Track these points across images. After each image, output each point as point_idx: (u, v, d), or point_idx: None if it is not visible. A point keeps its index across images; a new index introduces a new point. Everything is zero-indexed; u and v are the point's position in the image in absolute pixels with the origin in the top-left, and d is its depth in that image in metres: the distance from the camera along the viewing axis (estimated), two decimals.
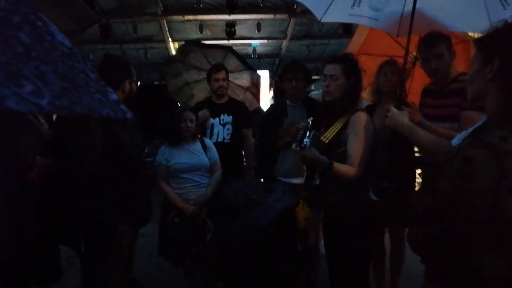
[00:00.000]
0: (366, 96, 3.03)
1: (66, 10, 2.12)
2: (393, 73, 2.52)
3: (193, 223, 2.57)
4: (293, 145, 1.84)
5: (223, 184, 2.60)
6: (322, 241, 2.46)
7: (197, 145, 2.72)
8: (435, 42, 2.17)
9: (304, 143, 1.79)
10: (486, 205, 0.96)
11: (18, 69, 0.93)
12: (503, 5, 2.05)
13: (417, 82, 2.76)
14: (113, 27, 7.47)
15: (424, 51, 2.24)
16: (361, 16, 2.34)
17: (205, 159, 2.69)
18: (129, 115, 1.11)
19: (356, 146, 1.91)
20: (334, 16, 2.36)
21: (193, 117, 2.67)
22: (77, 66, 1.08)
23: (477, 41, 1.19)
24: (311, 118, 1.87)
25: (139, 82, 2.38)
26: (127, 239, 2.14)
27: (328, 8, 2.31)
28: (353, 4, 2.30)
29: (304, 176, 1.99)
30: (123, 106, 1.11)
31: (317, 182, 2.00)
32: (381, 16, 2.32)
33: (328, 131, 1.99)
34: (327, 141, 1.97)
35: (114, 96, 1.11)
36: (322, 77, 2.05)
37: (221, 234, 2.39)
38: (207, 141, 2.84)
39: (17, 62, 0.93)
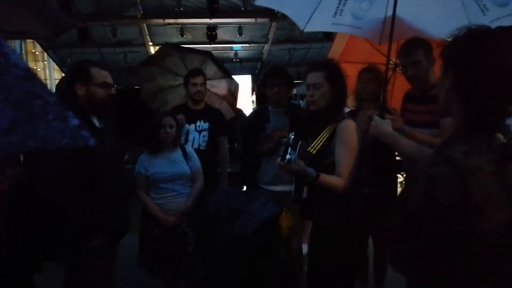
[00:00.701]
0: (349, 104, 3.04)
1: (39, 15, 2.03)
2: (369, 81, 2.53)
3: (173, 234, 2.50)
4: (278, 160, 1.80)
5: (204, 193, 2.55)
6: (306, 244, 2.43)
7: (178, 153, 2.65)
8: (413, 49, 2.19)
9: (287, 159, 1.75)
10: (453, 223, 0.95)
11: None
12: (482, 11, 2.08)
13: (399, 88, 2.78)
14: (91, 30, 7.32)
15: (402, 58, 2.26)
16: (344, 25, 2.33)
17: (186, 168, 2.63)
18: (91, 142, 1.03)
19: (344, 156, 1.86)
20: (316, 25, 2.35)
21: (173, 122, 2.60)
22: (34, 91, 0.99)
23: (442, 50, 1.18)
24: (293, 133, 1.82)
25: (115, 86, 2.22)
26: (103, 252, 2.05)
27: (310, 17, 2.30)
28: (335, 13, 2.29)
29: (292, 189, 1.94)
30: (84, 132, 1.04)
31: (305, 195, 1.95)
32: (363, 24, 2.32)
33: (315, 141, 1.93)
34: (314, 151, 1.91)
35: (75, 122, 1.04)
36: (305, 87, 2.01)
37: (204, 245, 2.33)
38: (189, 148, 2.78)
39: None
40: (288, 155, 1.74)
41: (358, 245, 1.97)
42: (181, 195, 2.60)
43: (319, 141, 1.93)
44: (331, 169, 1.86)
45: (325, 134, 1.93)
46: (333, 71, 1.94)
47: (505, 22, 1.97)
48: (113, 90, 2.11)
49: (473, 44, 1.04)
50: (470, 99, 1.05)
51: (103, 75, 2.07)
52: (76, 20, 6.42)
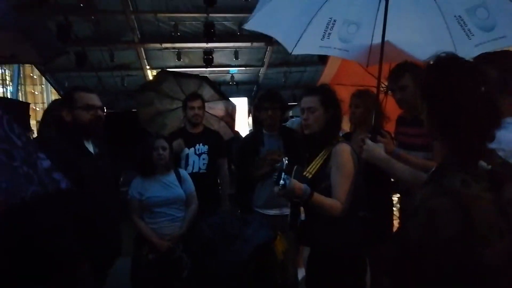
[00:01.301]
0: (345, 126, 3.07)
1: (28, 40, 2.03)
2: (357, 106, 2.56)
3: (168, 260, 2.46)
4: (275, 188, 1.78)
5: (199, 217, 2.52)
6: (302, 268, 2.39)
7: (172, 177, 2.64)
8: (399, 74, 2.21)
9: (282, 184, 1.74)
10: (454, 254, 0.94)
11: None
12: (467, 35, 2.11)
13: (395, 111, 2.81)
14: (89, 54, 7.41)
15: (390, 83, 2.29)
16: (332, 48, 2.37)
17: (180, 192, 2.61)
18: (63, 184, 0.99)
19: (340, 180, 1.85)
20: (304, 48, 2.39)
21: (166, 145, 2.60)
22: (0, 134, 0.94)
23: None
24: (286, 158, 1.82)
25: (105, 109, 2.20)
26: (90, 280, 1.99)
27: (298, 40, 2.34)
28: (323, 36, 2.33)
29: (289, 215, 1.92)
30: (56, 175, 1.00)
31: (302, 218, 1.93)
32: (351, 47, 2.36)
33: (311, 166, 1.92)
34: (310, 176, 1.90)
35: (45, 164, 1.00)
36: (300, 110, 2.02)
37: (199, 271, 2.29)
38: (183, 172, 2.77)
39: None
40: (281, 181, 1.73)
41: (356, 270, 1.93)
42: (176, 219, 2.58)
43: (314, 165, 1.92)
44: (327, 193, 1.84)
45: (320, 158, 1.92)
46: (328, 96, 1.95)
47: (490, 47, 2.00)
48: (99, 112, 2.07)
49: (439, 74, 1.06)
50: (445, 128, 1.06)
51: (86, 97, 2.04)
52: (70, 45, 6.52)
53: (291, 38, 2.35)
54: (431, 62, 1.10)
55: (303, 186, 1.76)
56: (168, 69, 5.70)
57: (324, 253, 1.92)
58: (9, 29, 1.86)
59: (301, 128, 2.06)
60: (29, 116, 4.52)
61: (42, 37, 2.13)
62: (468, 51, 2.00)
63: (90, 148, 2.10)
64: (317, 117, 1.91)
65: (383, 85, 2.44)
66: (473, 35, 2.09)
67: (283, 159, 1.82)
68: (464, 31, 2.12)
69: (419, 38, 2.23)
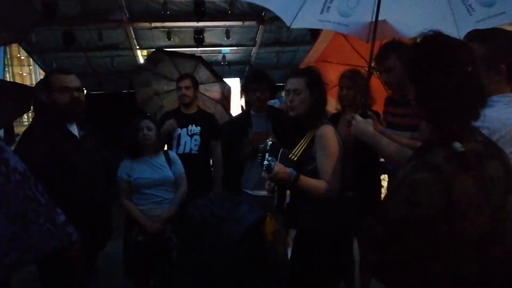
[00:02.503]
0: (330, 108, 3.05)
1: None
2: (348, 87, 2.55)
3: (157, 241, 2.47)
4: (263, 172, 1.79)
5: (189, 199, 2.52)
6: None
7: (161, 159, 2.63)
8: (385, 55, 2.18)
9: (265, 165, 1.74)
10: (436, 229, 0.95)
11: None
12: (468, 11, 2.08)
13: (378, 91, 2.80)
14: (77, 34, 7.24)
15: (377, 65, 2.26)
16: (331, 22, 2.32)
17: (169, 173, 2.60)
18: (74, 237, 1.06)
19: (326, 160, 1.87)
20: (303, 22, 2.33)
21: (151, 125, 2.57)
22: (29, 195, 0.99)
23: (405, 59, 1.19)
24: (270, 139, 1.82)
25: (85, 90, 2.16)
26: (81, 262, 2.00)
27: (297, 14, 2.28)
28: (322, 10, 2.28)
29: (275, 198, 1.93)
30: (69, 228, 1.06)
31: (288, 201, 1.95)
32: (350, 22, 2.31)
33: (296, 148, 1.94)
34: (295, 158, 1.91)
35: (61, 218, 1.06)
36: (285, 92, 2.00)
37: (190, 254, 2.31)
38: (172, 154, 2.75)
39: None
40: (265, 162, 1.73)
41: (341, 253, 1.96)
42: (165, 201, 2.58)
43: (299, 148, 1.93)
44: (314, 175, 1.87)
45: (305, 141, 1.93)
46: (314, 78, 1.95)
47: (490, 23, 1.97)
48: (75, 93, 2.04)
49: (425, 53, 1.06)
50: (431, 107, 1.06)
51: (61, 79, 2.03)
52: (56, 24, 6.34)
53: (290, 11, 2.29)
54: (417, 41, 1.09)
55: (288, 170, 1.78)
56: (162, 49, 5.63)
57: (310, 235, 1.94)
58: None
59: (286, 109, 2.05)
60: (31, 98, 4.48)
61: (12, 14, 2.04)
62: (469, 27, 1.98)
63: (75, 131, 2.08)
64: (303, 99, 1.91)
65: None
66: (474, 10, 2.06)
67: (266, 140, 1.82)
68: (465, 6, 2.08)
69: (419, 14, 2.18)
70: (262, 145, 1.89)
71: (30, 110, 2.60)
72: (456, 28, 2.04)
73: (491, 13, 2.00)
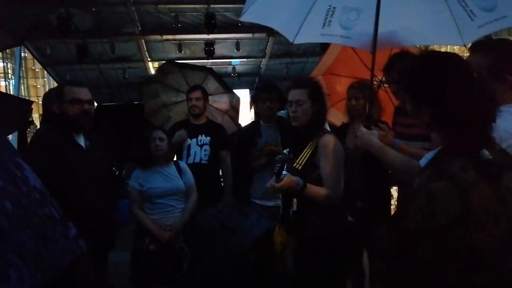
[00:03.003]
0: (330, 118, 3.07)
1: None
2: (357, 98, 2.55)
3: (169, 250, 2.48)
4: (271, 181, 1.84)
5: (198, 209, 2.54)
6: None
7: (172, 169, 2.66)
8: (392, 67, 2.20)
9: (283, 175, 1.78)
10: (452, 239, 0.94)
11: (4, 253, 0.84)
12: (470, 16, 2.08)
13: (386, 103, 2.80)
14: (90, 47, 7.40)
15: (385, 76, 2.28)
16: (333, 36, 2.34)
17: (180, 183, 2.63)
18: (84, 249, 1.07)
19: (329, 168, 1.93)
20: (306, 37, 2.36)
21: (164, 136, 2.61)
22: (47, 213, 1.01)
23: (405, 84, 1.18)
24: (288, 150, 1.86)
25: (94, 102, 2.19)
26: (89, 274, 1.99)
27: (299, 30, 2.31)
28: (324, 24, 2.30)
29: (280, 207, 1.96)
30: (81, 241, 1.07)
31: (295, 208, 1.97)
32: (353, 34, 2.33)
33: (300, 157, 1.98)
34: (300, 167, 1.96)
35: (73, 232, 1.07)
36: (288, 103, 2.06)
37: (199, 264, 2.32)
38: (182, 164, 2.78)
39: (2, 242, 0.86)
40: (284, 172, 1.78)
41: (345, 258, 1.99)
42: (176, 210, 2.60)
43: (303, 157, 1.98)
44: (317, 183, 1.92)
45: (308, 150, 1.99)
46: (315, 89, 2.03)
47: (493, 28, 1.97)
48: (86, 106, 2.08)
49: (435, 74, 1.06)
50: (451, 127, 1.06)
51: (73, 92, 2.06)
52: (70, 37, 6.48)
53: (291, 27, 2.32)
54: (417, 59, 1.10)
55: (295, 178, 1.81)
56: (173, 60, 5.72)
57: (315, 241, 1.97)
58: None
59: (288, 120, 2.10)
60: (31, 113, 4.54)
61: (11, 16, 2.10)
62: (472, 32, 1.99)
63: (81, 141, 2.11)
64: (305, 109, 1.98)
65: (377, 79, 2.43)
66: (475, 16, 2.05)
67: (285, 151, 1.86)
68: (466, 12, 2.08)
69: (421, 21, 2.19)
70: (280, 156, 1.95)
71: (27, 126, 2.63)
72: (459, 34, 2.05)
73: (493, 17, 1.99)
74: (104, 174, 2.23)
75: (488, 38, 1.98)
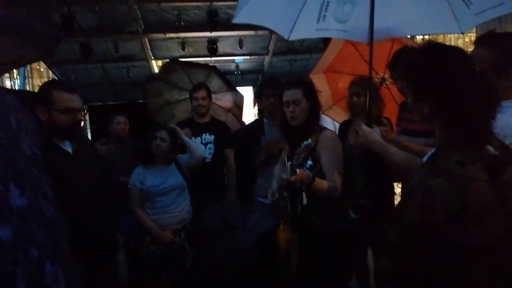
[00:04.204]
0: (331, 114, 3.06)
1: (28, 40, 1.97)
2: (358, 95, 2.54)
3: (170, 250, 2.48)
4: (284, 174, 1.84)
5: (202, 206, 2.53)
6: None
7: (172, 167, 2.67)
8: (397, 63, 2.20)
9: (308, 166, 1.88)
10: (450, 235, 0.93)
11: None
12: (466, 4, 2.06)
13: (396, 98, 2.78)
14: (94, 46, 7.41)
15: (390, 72, 2.27)
16: (329, 30, 2.32)
17: (179, 178, 2.63)
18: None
19: (333, 163, 1.99)
20: (301, 33, 2.34)
21: (167, 137, 2.61)
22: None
23: (406, 77, 1.17)
24: (309, 140, 1.95)
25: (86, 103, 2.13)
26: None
27: (293, 26, 2.30)
28: (318, 19, 2.28)
29: (288, 204, 1.95)
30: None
31: (305, 202, 1.97)
32: (348, 27, 2.31)
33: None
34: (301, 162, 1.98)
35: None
36: (284, 103, 2.09)
37: (202, 261, 2.33)
38: (179, 158, 2.80)
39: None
40: (309, 161, 1.90)
41: (348, 252, 2.04)
42: (176, 208, 2.59)
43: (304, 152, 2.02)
44: (319, 177, 1.94)
45: (309, 145, 2.04)
46: (309, 88, 2.10)
47: (490, 15, 1.95)
48: (78, 116, 1.91)
49: (437, 65, 1.05)
50: (452, 119, 1.05)
51: (66, 99, 1.86)
52: (74, 36, 6.50)
53: (286, 24, 2.31)
54: (421, 50, 1.09)
55: (306, 171, 1.83)
56: (176, 59, 5.71)
57: (319, 234, 1.99)
58: (11, 32, 1.80)
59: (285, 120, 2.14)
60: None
61: (39, 32, 2.06)
62: (469, 20, 1.98)
63: (67, 147, 1.98)
64: (303, 108, 2.06)
65: (378, 76, 2.42)
66: (471, 3, 2.03)
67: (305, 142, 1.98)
68: (463, 0, 2.06)
69: (417, 10, 2.17)
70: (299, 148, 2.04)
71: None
72: (456, 22, 2.04)
73: (489, 4, 1.97)
74: (95, 177, 2.09)
75: (493, 32, 1.96)
